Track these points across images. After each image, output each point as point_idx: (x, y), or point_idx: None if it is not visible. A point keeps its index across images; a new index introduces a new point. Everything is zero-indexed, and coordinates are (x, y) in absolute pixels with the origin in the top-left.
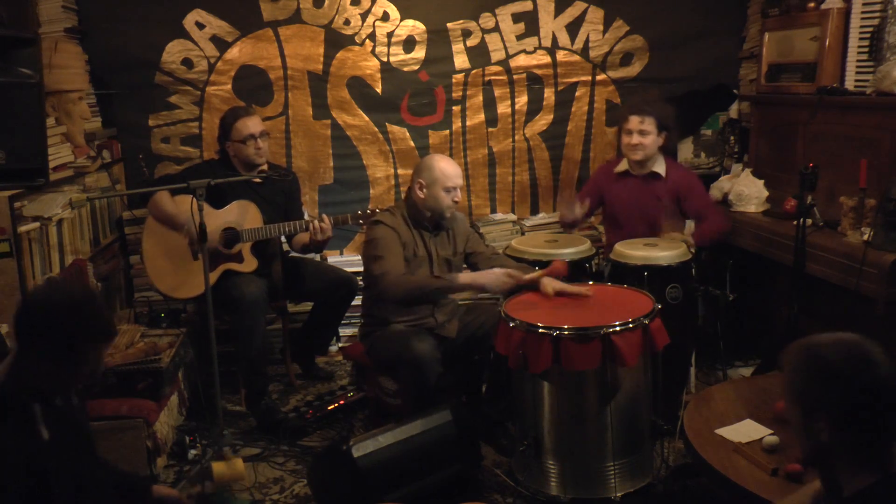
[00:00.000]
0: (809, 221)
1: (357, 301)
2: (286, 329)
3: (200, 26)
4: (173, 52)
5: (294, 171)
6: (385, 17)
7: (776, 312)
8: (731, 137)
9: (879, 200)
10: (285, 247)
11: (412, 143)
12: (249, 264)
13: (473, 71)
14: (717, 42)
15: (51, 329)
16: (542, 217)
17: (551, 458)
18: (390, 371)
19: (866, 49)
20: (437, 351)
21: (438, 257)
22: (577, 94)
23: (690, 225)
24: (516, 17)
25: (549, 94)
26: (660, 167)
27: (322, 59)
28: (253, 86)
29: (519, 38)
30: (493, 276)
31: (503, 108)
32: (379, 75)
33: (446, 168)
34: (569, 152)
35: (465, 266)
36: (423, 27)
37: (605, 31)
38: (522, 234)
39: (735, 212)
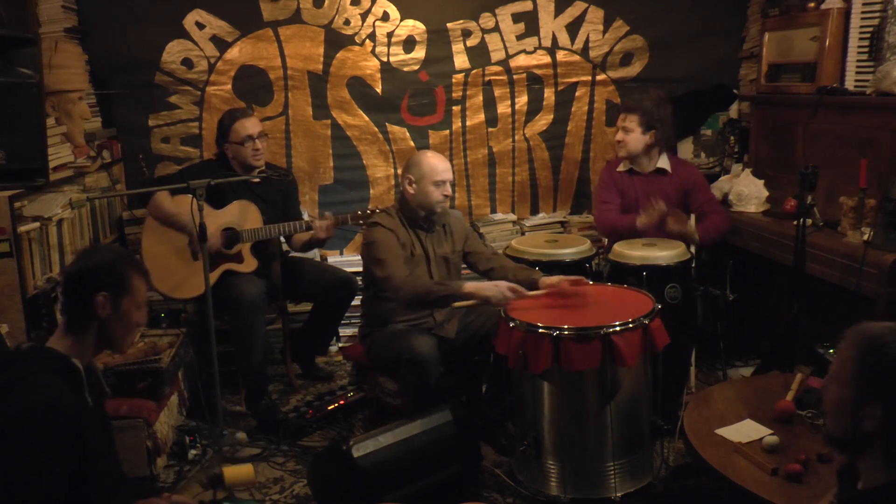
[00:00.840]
0: (809, 221)
1: (357, 301)
2: (286, 329)
3: (200, 26)
4: (173, 52)
5: (293, 172)
6: (385, 17)
7: (776, 312)
8: (731, 137)
9: (879, 200)
10: (285, 247)
11: (412, 143)
12: (249, 264)
13: (473, 71)
14: (717, 42)
15: (98, 271)
16: (542, 217)
17: (551, 458)
18: (390, 371)
19: (866, 49)
20: (437, 350)
21: (436, 255)
22: (577, 94)
23: (692, 220)
24: (516, 17)
25: (549, 94)
26: (664, 163)
27: (322, 59)
28: (253, 86)
29: (519, 38)
30: (496, 290)
31: (503, 108)
32: (379, 75)
33: (434, 162)
34: (569, 152)
35: (463, 266)
36: (423, 27)
37: (605, 31)
38: (522, 234)
39: (735, 212)
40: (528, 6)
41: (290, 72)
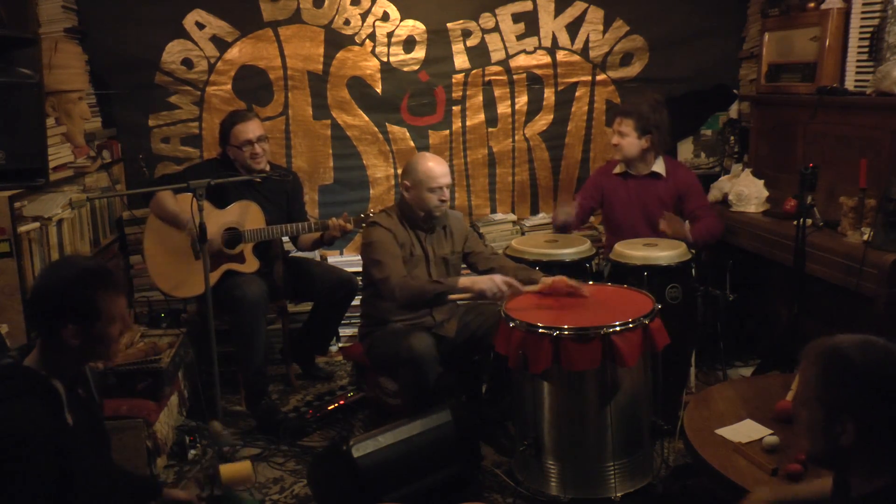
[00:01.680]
0: (809, 221)
1: (357, 301)
2: (286, 329)
3: (200, 26)
4: (173, 52)
5: (295, 172)
6: (385, 17)
7: (776, 312)
8: (731, 137)
9: (879, 200)
10: (287, 247)
11: (412, 144)
12: (251, 265)
13: (473, 71)
14: (717, 42)
15: (60, 299)
16: (542, 217)
17: (551, 458)
18: (389, 370)
19: (866, 49)
20: (435, 349)
21: (435, 256)
22: (577, 94)
23: (686, 224)
24: (516, 17)
25: (549, 94)
26: (659, 167)
27: (322, 59)
28: (253, 86)
29: (519, 38)
30: (491, 283)
31: (503, 108)
32: (379, 75)
33: (431, 168)
34: (569, 152)
35: (463, 266)
36: (423, 27)
37: (605, 31)
38: (522, 234)
39: (735, 212)
40: (528, 6)
41: (290, 72)
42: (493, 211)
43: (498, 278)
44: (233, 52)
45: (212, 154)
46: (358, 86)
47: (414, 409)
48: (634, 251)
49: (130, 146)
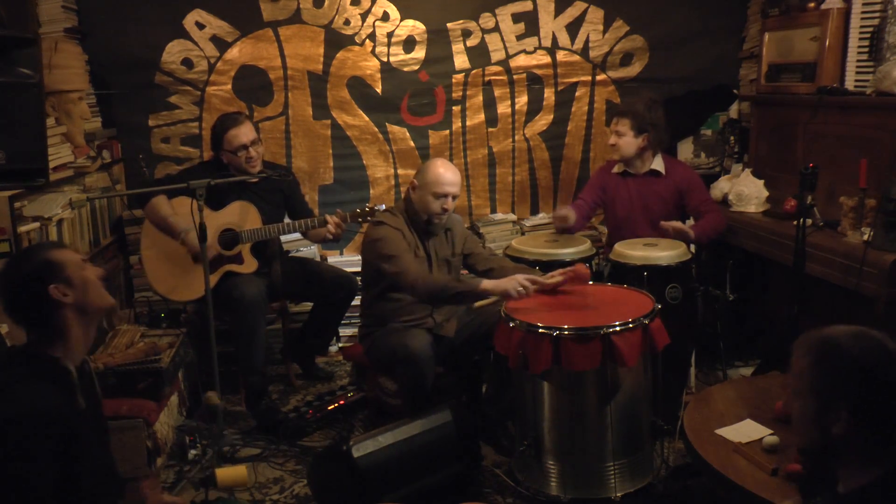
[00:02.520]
0: (809, 221)
1: (357, 301)
2: (286, 329)
3: (200, 26)
4: (173, 52)
5: (293, 171)
6: (385, 17)
7: (776, 312)
8: (731, 137)
9: (879, 200)
10: (286, 247)
11: (412, 144)
12: (249, 265)
13: (473, 71)
14: (717, 42)
15: (42, 275)
16: (542, 217)
17: (551, 458)
18: (388, 370)
19: (866, 49)
20: (433, 348)
21: (438, 258)
22: (577, 94)
23: (689, 222)
24: (516, 17)
25: (549, 94)
26: (658, 165)
27: (322, 59)
28: (253, 86)
29: (519, 38)
30: (514, 283)
31: (503, 108)
32: (379, 75)
33: (442, 174)
34: (569, 152)
35: (462, 268)
36: (423, 27)
37: (605, 32)
38: (522, 234)
39: (735, 212)
40: (528, 6)
41: (290, 72)
42: (493, 211)
43: (520, 277)
44: (233, 52)
45: (211, 154)
46: (358, 86)
47: (413, 408)
48: (634, 251)
49: (130, 146)
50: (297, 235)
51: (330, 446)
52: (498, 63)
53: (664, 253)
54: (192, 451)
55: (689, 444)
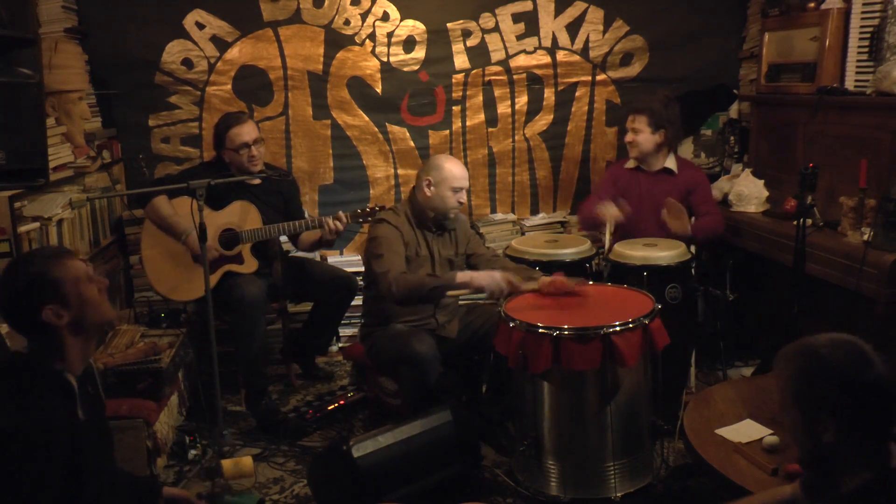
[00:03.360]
0: (809, 221)
1: (357, 301)
2: (286, 329)
3: (200, 26)
4: (173, 52)
5: (293, 172)
6: (385, 17)
7: (776, 312)
8: (731, 137)
9: (879, 200)
10: (286, 247)
11: (412, 144)
12: (249, 265)
13: (473, 71)
14: (717, 42)
15: (19, 290)
16: (542, 217)
17: (551, 458)
18: (390, 371)
19: (866, 49)
20: (437, 351)
21: (441, 257)
22: (577, 94)
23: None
24: (516, 17)
25: (549, 94)
26: (671, 163)
27: (322, 59)
28: (253, 86)
29: (519, 38)
30: (491, 279)
31: (503, 108)
32: (379, 75)
33: (454, 169)
34: (569, 152)
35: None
36: (423, 27)
37: (605, 31)
38: (522, 234)
39: (735, 212)
40: (528, 6)
41: (290, 72)
42: (493, 211)
43: (498, 274)
44: (233, 52)
45: (212, 154)
46: (358, 86)
47: (414, 409)
48: (634, 251)
49: (130, 146)
50: None
51: (330, 446)
52: (498, 63)
53: (664, 253)
54: (192, 451)
55: (689, 444)
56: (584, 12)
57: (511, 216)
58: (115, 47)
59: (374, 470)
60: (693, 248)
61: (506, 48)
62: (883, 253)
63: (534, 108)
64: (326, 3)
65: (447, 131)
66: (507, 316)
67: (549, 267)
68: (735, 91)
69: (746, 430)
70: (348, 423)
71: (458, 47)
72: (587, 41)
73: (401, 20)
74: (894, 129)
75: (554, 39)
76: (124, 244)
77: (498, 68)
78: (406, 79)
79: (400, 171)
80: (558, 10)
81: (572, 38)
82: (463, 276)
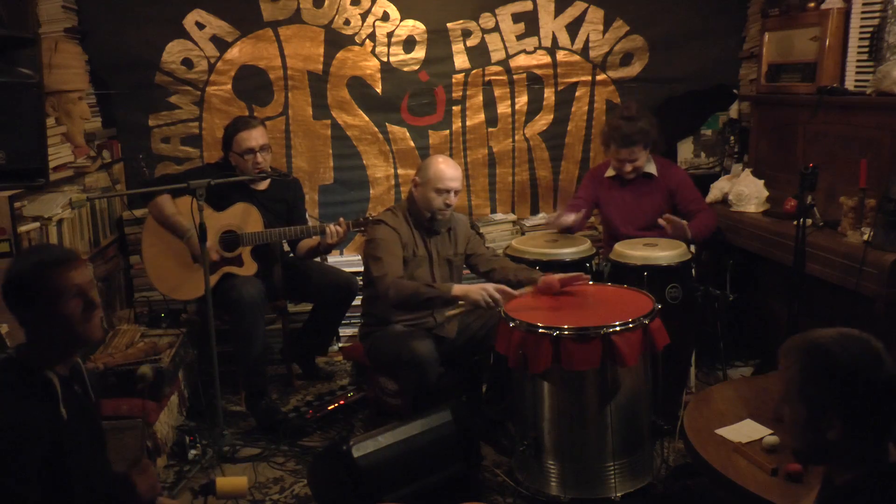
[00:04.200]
0: (809, 221)
1: (357, 301)
2: (286, 329)
3: (200, 26)
4: (173, 52)
5: (293, 172)
6: (385, 17)
7: (776, 312)
8: (731, 137)
9: (879, 200)
10: (286, 247)
11: (412, 143)
12: (249, 268)
13: (473, 71)
14: (717, 42)
15: (24, 288)
16: (542, 217)
17: (551, 458)
18: (390, 371)
19: (866, 49)
20: (437, 352)
21: (439, 257)
22: (577, 94)
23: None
24: (516, 17)
25: (549, 94)
26: (650, 167)
27: (322, 59)
28: (253, 86)
29: (519, 38)
30: (482, 294)
31: (503, 108)
32: (379, 75)
33: (443, 170)
34: (569, 152)
35: (464, 268)
36: (423, 27)
37: (605, 31)
38: (522, 234)
39: (735, 212)
40: (528, 6)
41: (290, 72)
42: (493, 211)
43: (490, 287)
44: (233, 52)
45: (211, 154)
46: (358, 86)
47: (414, 409)
48: (634, 251)
49: (130, 146)
50: None
51: (330, 446)
52: (498, 63)
53: (664, 253)
54: (192, 451)
55: (689, 444)
56: (584, 12)
57: (511, 216)
58: (115, 47)
59: (374, 470)
60: (693, 248)
61: (506, 48)
62: (883, 253)
63: (534, 108)
64: (326, 3)
65: (447, 131)
66: (507, 316)
67: (549, 267)
68: (735, 91)
69: (746, 430)
70: (348, 423)
71: (458, 47)
72: (587, 41)
73: (401, 20)
74: (894, 129)
75: (554, 39)
76: (124, 244)
77: (498, 68)
78: (406, 79)
79: (400, 171)
80: (558, 10)
81: (572, 38)
82: (458, 289)
